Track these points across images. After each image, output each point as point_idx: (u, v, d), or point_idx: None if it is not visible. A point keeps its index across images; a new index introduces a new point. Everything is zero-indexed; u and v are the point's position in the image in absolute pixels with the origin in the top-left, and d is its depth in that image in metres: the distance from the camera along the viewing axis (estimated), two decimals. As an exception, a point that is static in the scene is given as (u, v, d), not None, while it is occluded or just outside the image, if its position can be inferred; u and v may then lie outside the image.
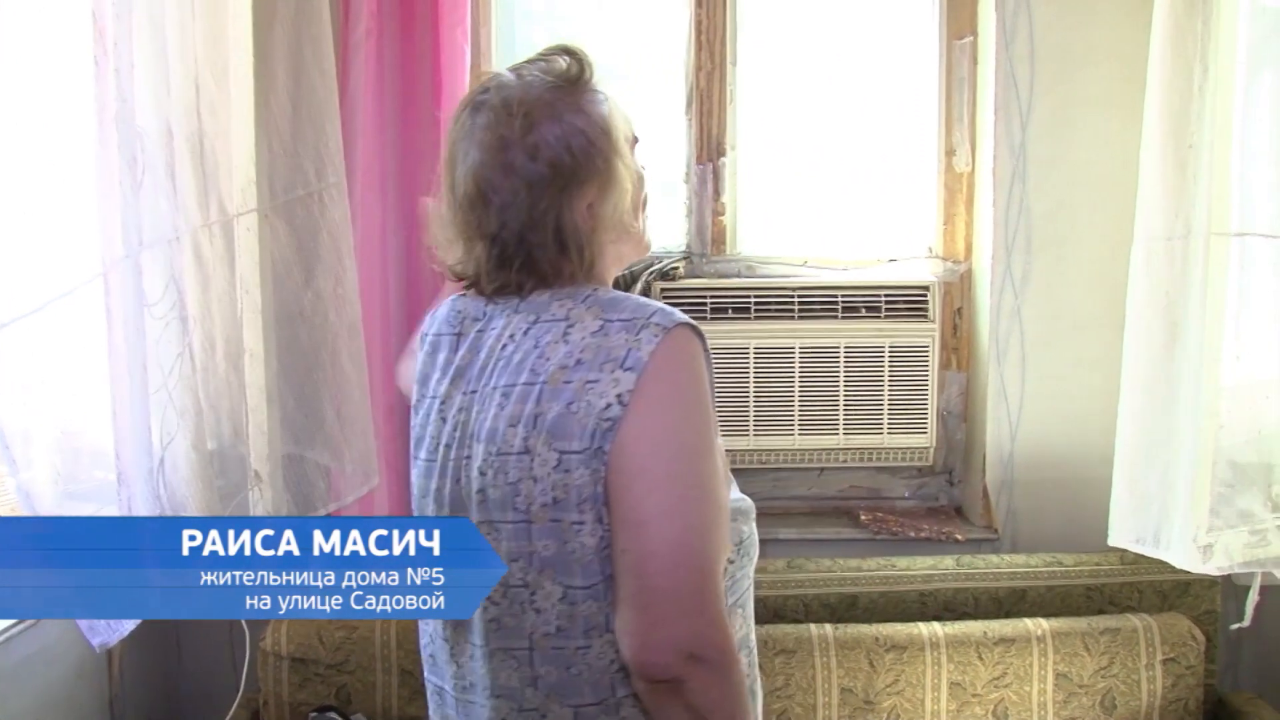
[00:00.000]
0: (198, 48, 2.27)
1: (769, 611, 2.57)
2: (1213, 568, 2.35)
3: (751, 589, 1.57)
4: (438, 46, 2.49)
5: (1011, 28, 2.65)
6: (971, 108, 2.80)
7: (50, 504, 2.22)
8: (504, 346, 1.44)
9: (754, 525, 1.55)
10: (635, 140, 1.55)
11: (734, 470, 2.78)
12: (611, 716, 1.39)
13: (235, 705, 2.51)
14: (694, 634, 1.30)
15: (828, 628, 2.51)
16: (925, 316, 2.79)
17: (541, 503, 1.37)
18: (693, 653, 1.29)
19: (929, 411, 2.82)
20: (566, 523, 1.36)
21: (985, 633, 2.49)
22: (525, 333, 1.43)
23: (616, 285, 1.59)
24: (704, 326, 2.64)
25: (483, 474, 1.41)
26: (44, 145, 2.14)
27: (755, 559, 1.57)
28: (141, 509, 2.26)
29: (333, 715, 2.47)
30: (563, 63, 1.48)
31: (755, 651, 1.58)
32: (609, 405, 1.34)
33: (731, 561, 1.48)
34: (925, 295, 2.79)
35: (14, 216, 2.08)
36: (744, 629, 1.53)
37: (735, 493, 1.52)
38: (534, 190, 1.42)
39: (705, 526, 1.33)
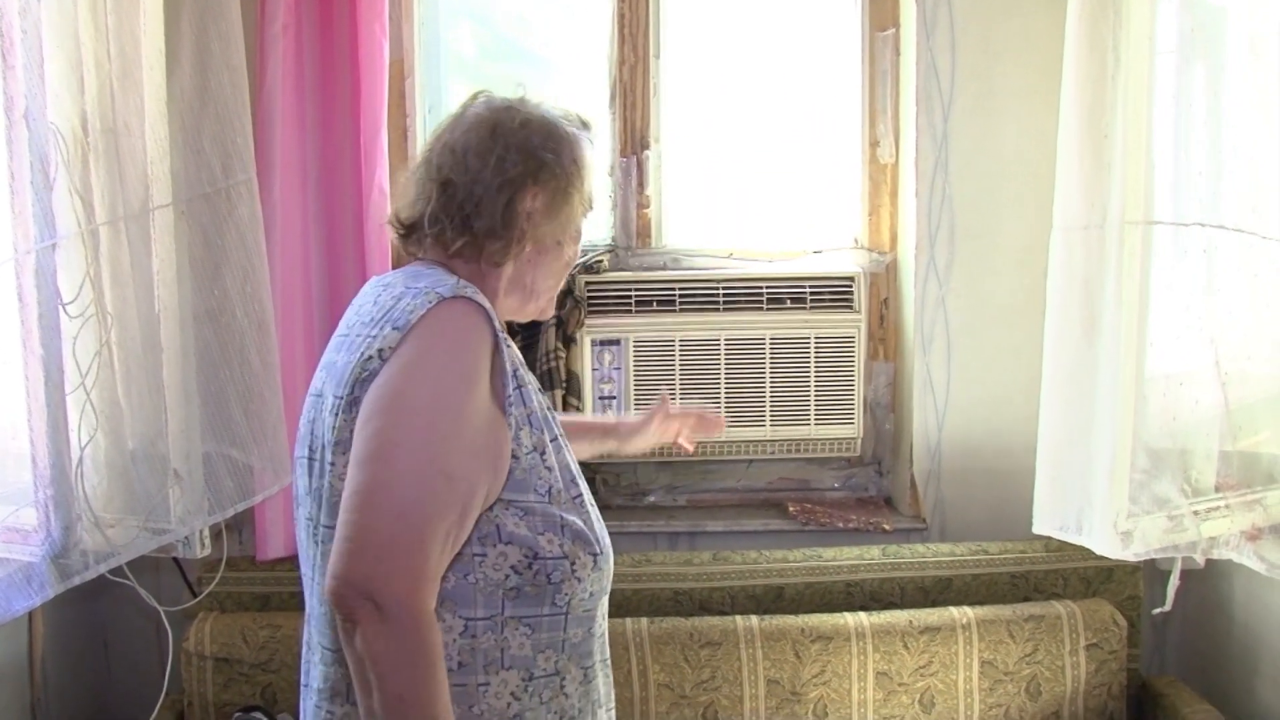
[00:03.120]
0: (110, 44, 2.25)
1: (694, 604, 2.58)
2: (1131, 553, 2.35)
3: (592, 624, 1.57)
4: (356, 41, 2.47)
5: (932, 19, 2.66)
6: (894, 99, 2.82)
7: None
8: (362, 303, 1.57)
9: (599, 560, 1.54)
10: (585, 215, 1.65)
11: (663, 462, 2.84)
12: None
13: (159, 707, 2.49)
14: (374, 576, 1.31)
15: (753, 619, 2.51)
16: (851, 307, 2.80)
17: (323, 442, 1.46)
18: (370, 595, 1.30)
19: (855, 402, 2.83)
20: (327, 463, 1.45)
21: (911, 622, 2.50)
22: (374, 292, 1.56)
23: None
24: (629, 319, 2.75)
25: (305, 413, 1.54)
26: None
27: (594, 594, 1.55)
28: (61, 510, 2.24)
29: (258, 715, 2.46)
30: (576, 114, 1.64)
31: (597, 680, 1.59)
32: (370, 358, 1.42)
33: (554, 582, 1.48)
34: (850, 286, 2.80)
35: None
36: (559, 658, 1.52)
37: (580, 516, 1.52)
38: (505, 164, 1.54)
39: (413, 479, 1.34)
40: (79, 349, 2.26)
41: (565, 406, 2.74)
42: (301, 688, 1.60)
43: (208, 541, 2.43)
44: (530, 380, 1.54)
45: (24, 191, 2.14)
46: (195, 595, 2.59)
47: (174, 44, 2.27)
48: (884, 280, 2.88)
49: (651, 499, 2.93)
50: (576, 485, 1.55)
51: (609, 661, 1.64)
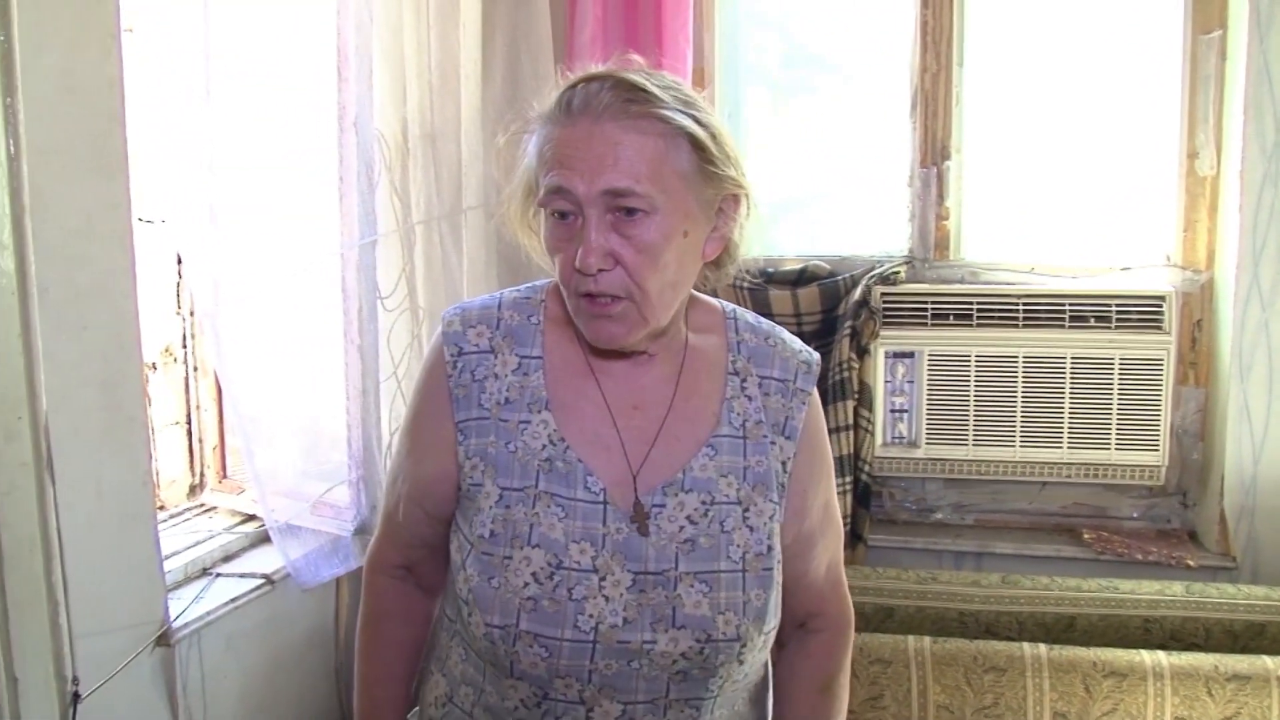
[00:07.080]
0: (431, 57, 2.39)
1: (980, 627, 2.50)
2: None
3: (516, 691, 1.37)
4: (660, 49, 2.53)
5: (1267, 20, 2.48)
6: (1218, 107, 2.64)
7: (288, 482, 2.40)
8: None
9: (494, 635, 1.33)
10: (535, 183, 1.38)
11: (952, 479, 2.77)
12: None
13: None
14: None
15: (1041, 648, 2.40)
16: (1160, 328, 2.64)
17: None
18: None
19: (1161, 428, 2.67)
20: None
21: (1217, 667, 2.33)
22: None
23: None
24: (924, 332, 2.71)
25: None
26: (292, 149, 2.31)
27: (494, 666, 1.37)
28: (369, 490, 2.40)
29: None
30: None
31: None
32: None
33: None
34: (1161, 305, 2.65)
35: (266, 216, 2.26)
36: (474, 697, 1.41)
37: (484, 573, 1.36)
38: None
39: (389, 480, 1.53)
40: (393, 340, 2.41)
41: (856, 417, 2.71)
42: None
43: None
44: (529, 419, 1.39)
45: (351, 192, 2.30)
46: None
47: (488, 57, 2.39)
48: (1197, 300, 2.71)
49: (938, 516, 2.86)
50: (499, 543, 1.35)
51: None
